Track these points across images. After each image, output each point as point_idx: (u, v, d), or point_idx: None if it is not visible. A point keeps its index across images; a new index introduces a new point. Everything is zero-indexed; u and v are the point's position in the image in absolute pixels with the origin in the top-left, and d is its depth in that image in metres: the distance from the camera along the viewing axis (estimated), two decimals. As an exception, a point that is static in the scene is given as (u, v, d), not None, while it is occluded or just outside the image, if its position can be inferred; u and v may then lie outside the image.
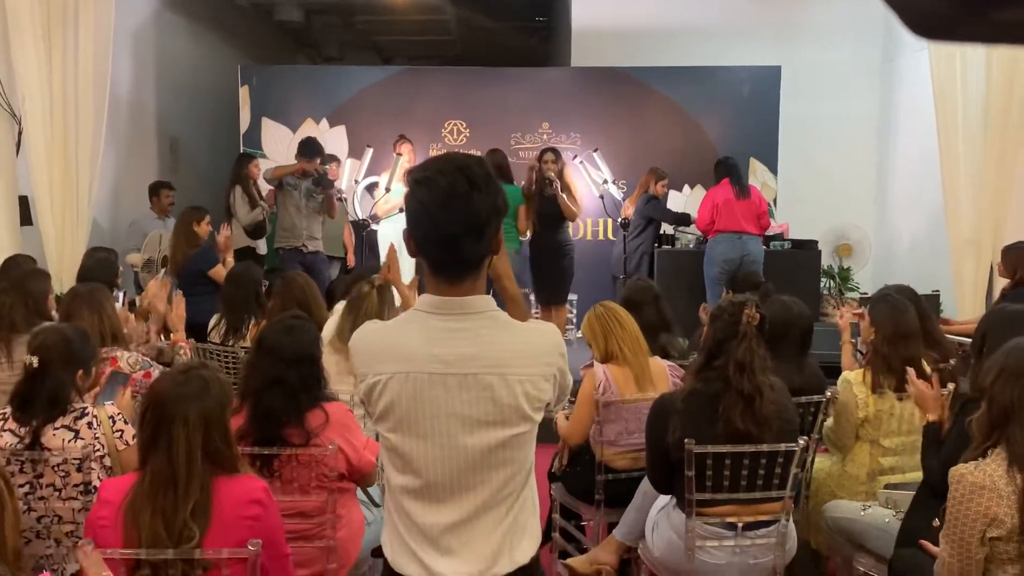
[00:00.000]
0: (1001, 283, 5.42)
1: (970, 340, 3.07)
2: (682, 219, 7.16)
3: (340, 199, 6.80)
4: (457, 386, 1.67)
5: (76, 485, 2.55)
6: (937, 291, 6.22)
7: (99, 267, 4.69)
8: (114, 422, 2.70)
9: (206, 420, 2.04)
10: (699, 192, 7.81)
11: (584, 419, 3.42)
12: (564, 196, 6.26)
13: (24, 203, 5.89)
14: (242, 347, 4.19)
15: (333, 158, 7.30)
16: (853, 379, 3.30)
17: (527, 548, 1.73)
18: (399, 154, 7.21)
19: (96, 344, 3.01)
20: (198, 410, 2.04)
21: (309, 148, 6.70)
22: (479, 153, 7.92)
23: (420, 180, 1.66)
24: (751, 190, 6.43)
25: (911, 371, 3.01)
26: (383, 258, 6.94)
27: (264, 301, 4.50)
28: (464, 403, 1.67)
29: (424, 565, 1.68)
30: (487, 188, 1.64)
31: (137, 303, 4.41)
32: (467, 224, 1.64)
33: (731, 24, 8.46)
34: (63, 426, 2.59)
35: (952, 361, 3.53)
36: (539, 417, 1.73)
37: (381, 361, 1.71)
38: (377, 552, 1.84)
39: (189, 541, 1.98)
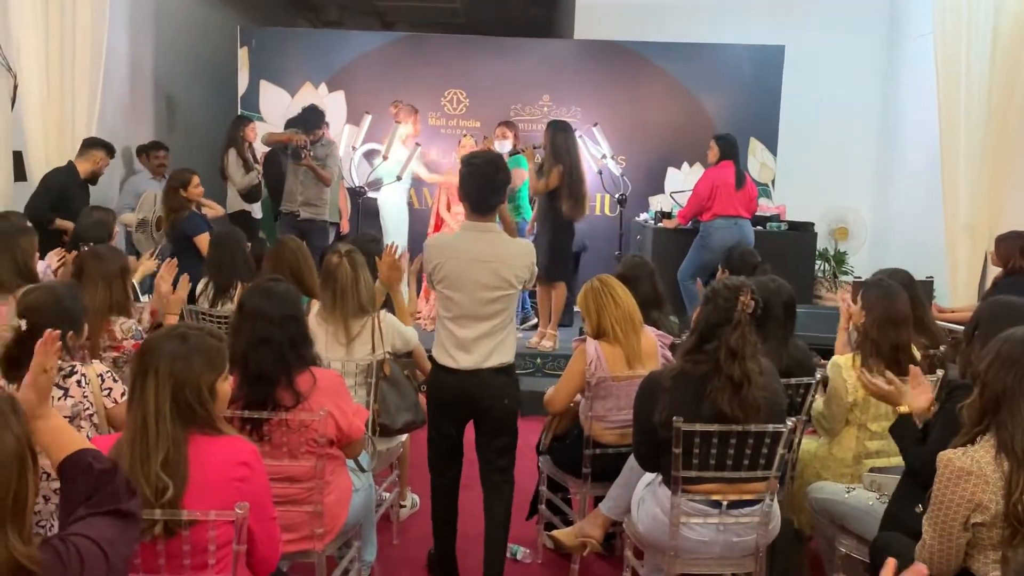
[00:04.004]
0: (994, 271, 5.44)
1: (961, 328, 3.08)
2: None
3: (320, 164, 6.65)
4: (478, 267, 3.13)
5: (65, 442, 2.54)
6: (931, 277, 6.24)
7: (95, 227, 4.65)
8: (103, 380, 2.69)
9: (175, 374, 2.03)
10: (697, 169, 7.79)
11: (568, 391, 3.45)
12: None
13: (18, 158, 5.84)
14: (232, 310, 4.18)
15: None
16: (843, 363, 3.30)
17: (508, 356, 3.24)
18: (399, 122, 7.16)
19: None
20: (169, 363, 2.03)
21: (303, 120, 6.68)
22: (478, 123, 7.95)
23: (471, 163, 3.22)
24: (746, 177, 6.42)
25: (864, 371, 3.01)
26: (384, 226, 6.97)
27: (251, 261, 4.48)
28: (482, 275, 3.13)
29: (453, 358, 3.18)
30: (504, 170, 3.26)
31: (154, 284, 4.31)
32: (493, 187, 3.19)
33: (735, 1, 8.38)
34: (53, 384, 2.58)
35: (942, 348, 3.54)
36: (520, 286, 3.21)
37: (442, 253, 3.19)
38: (432, 359, 3.30)
39: (164, 493, 1.97)
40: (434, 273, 3.18)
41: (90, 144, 5.79)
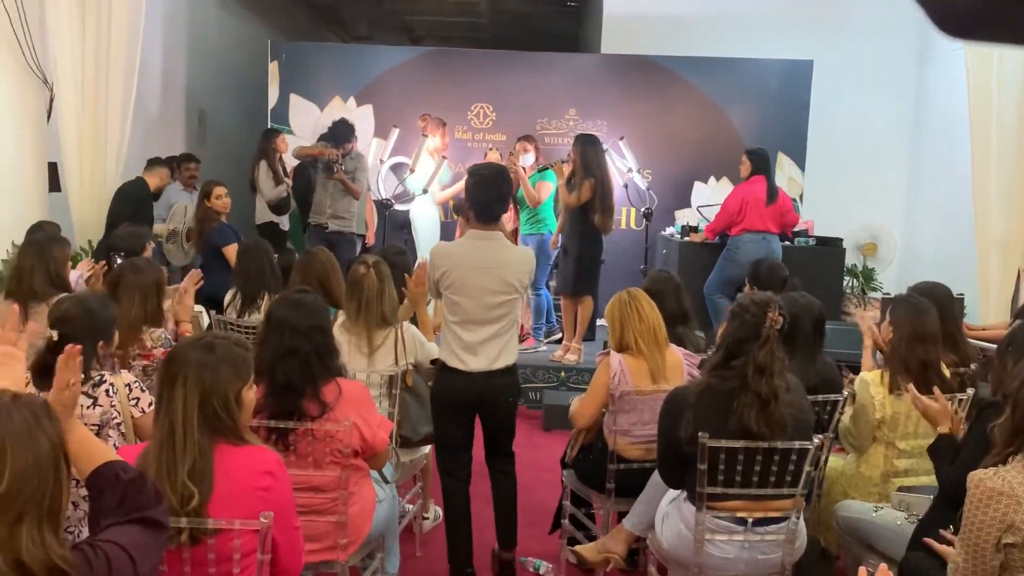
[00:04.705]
0: (1027, 289, 5.36)
1: (993, 346, 3.03)
2: None
3: (350, 177, 6.68)
4: (484, 273, 3.32)
5: (94, 450, 2.57)
6: (962, 294, 6.16)
7: (129, 238, 4.72)
8: (130, 390, 2.73)
9: (203, 383, 2.05)
10: (725, 184, 7.76)
11: (593, 405, 3.44)
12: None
13: (53, 169, 5.95)
14: (259, 320, 4.22)
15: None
16: (871, 380, 3.27)
17: (512, 357, 3.43)
18: (426, 135, 7.21)
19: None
20: (196, 372, 2.05)
21: (332, 135, 6.76)
22: (504, 137, 7.98)
23: (477, 173, 3.44)
24: (778, 192, 6.36)
25: (911, 387, 2.96)
26: (416, 238, 7.00)
27: (278, 272, 4.52)
28: (487, 281, 3.32)
29: (462, 360, 3.36)
30: (508, 181, 3.47)
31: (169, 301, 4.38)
32: (497, 197, 3.39)
33: (764, 16, 8.36)
34: (82, 393, 2.61)
35: (972, 366, 3.49)
36: (523, 290, 3.42)
37: (449, 260, 3.35)
38: (436, 362, 3.52)
39: (190, 501, 1.99)
40: (441, 279, 3.35)
41: (155, 162, 6.51)
